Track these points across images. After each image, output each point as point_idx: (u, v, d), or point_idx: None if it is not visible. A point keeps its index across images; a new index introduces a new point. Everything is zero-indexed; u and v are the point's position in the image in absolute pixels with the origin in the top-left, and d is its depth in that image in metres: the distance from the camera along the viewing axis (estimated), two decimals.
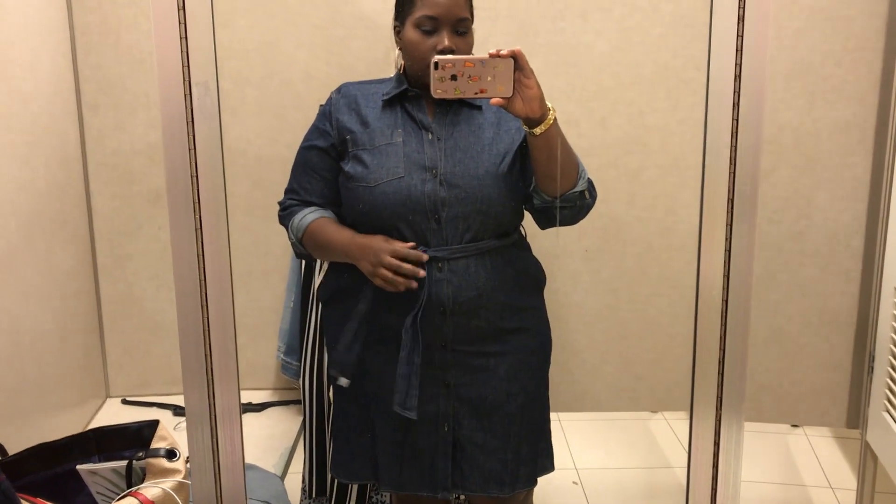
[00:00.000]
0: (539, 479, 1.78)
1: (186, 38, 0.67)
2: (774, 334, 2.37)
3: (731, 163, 0.71)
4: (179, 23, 0.67)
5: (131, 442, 1.56)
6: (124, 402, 2.38)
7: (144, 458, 1.49)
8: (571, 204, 1.54)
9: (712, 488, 0.92)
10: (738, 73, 0.72)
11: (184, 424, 2.27)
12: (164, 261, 2.44)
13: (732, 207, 0.75)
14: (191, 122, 0.70)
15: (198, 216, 0.77)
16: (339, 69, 2.25)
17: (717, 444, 0.85)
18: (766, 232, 2.30)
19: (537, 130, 1.42)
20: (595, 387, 2.47)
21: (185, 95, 0.69)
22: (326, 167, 1.65)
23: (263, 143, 2.30)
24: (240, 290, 2.42)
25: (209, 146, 0.72)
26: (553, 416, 2.81)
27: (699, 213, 0.83)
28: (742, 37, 0.71)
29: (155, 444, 1.53)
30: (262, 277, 2.40)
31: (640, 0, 2.19)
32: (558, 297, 2.29)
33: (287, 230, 1.70)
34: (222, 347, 0.96)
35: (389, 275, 1.52)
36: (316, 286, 2.18)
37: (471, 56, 1.36)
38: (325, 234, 1.62)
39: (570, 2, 2.19)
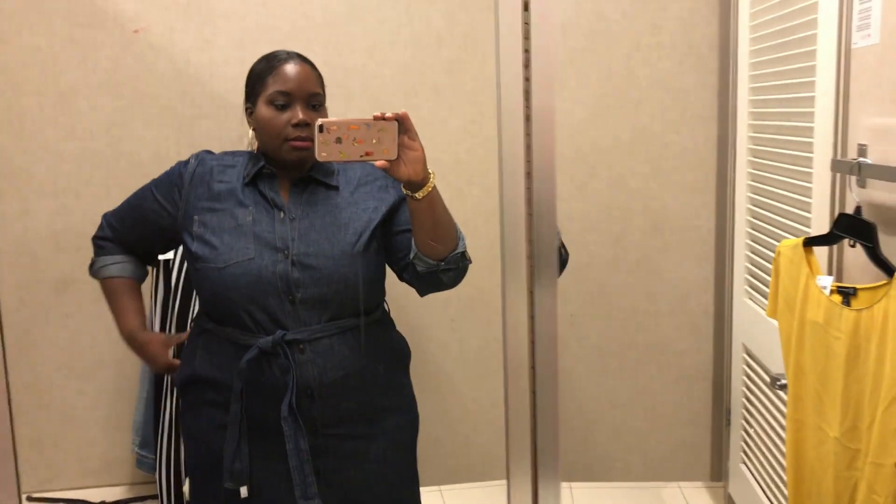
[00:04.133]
0: None
1: None
2: (637, 394, 2.42)
3: (527, 230, 0.72)
4: None
5: None
6: (29, 499, 2.21)
7: None
8: (454, 266, 1.51)
9: None
10: (528, 143, 0.73)
11: None
12: (71, 350, 2.29)
13: (533, 269, 0.76)
14: None
15: None
16: (190, 148, 2.18)
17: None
18: (620, 295, 2.36)
19: (419, 194, 1.39)
20: (583, 456, 2.45)
21: None
22: (156, 225, 1.64)
23: None
24: (91, 380, 2.29)
25: None
26: (564, 485, 2.76)
27: (501, 277, 0.84)
28: (530, 136, 0.73)
29: None
30: (113, 366, 2.28)
31: (616, 66, 2.25)
32: None
33: (93, 258, 1.73)
34: None
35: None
36: (168, 377, 2.08)
37: (356, 118, 1.33)
38: (116, 304, 1.68)
39: (421, 80, 2.23)
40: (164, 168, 2.19)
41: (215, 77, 2.19)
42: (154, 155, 2.20)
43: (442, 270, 1.50)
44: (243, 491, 1.53)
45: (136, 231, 1.67)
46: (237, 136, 2.19)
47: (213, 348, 1.58)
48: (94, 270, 1.71)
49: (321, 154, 1.32)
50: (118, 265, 1.68)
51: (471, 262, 1.56)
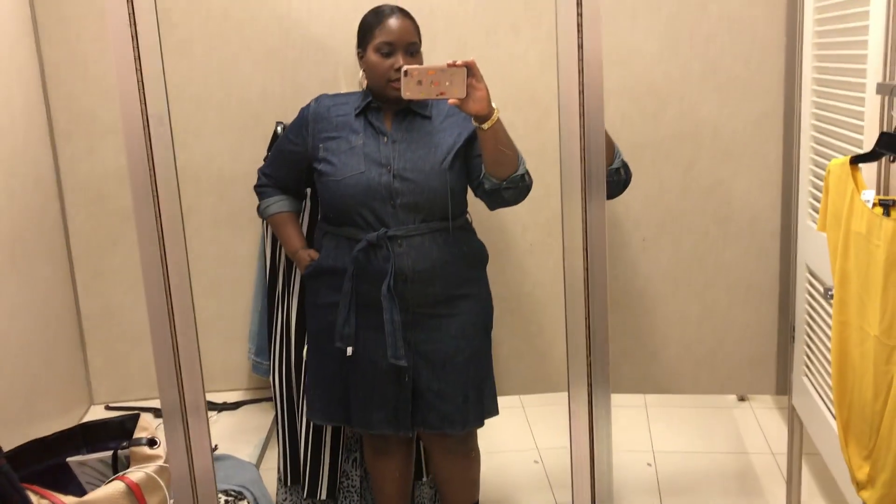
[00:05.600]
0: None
1: (143, 80, 0.85)
2: (706, 312, 2.58)
3: (581, 161, 0.90)
4: (136, 70, 0.85)
5: (115, 434, 1.74)
6: (107, 408, 2.53)
7: (128, 448, 1.66)
8: (515, 185, 1.89)
9: (590, 455, 1.10)
10: (581, 89, 0.91)
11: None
12: (139, 274, 2.60)
13: (586, 195, 0.94)
14: (149, 147, 0.88)
15: (160, 228, 0.94)
16: (293, 88, 2.43)
17: (591, 414, 1.03)
18: (691, 219, 2.51)
19: (485, 125, 1.76)
20: (655, 370, 2.63)
21: (143, 127, 0.87)
22: (294, 160, 2.07)
23: (226, 159, 2.48)
24: (210, 297, 2.59)
25: (166, 168, 0.90)
26: (638, 399, 3.18)
27: (560, 200, 1.03)
28: (582, 60, 0.91)
29: (137, 435, 1.71)
30: (230, 285, 2.57)
31: (689, 1, 2.35)
32: (620, 285, 2.40)
33: (258, 203, 2.19)
34: (187, 351, 1.12)
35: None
36: (280, 290, 2.35)
37: (433, 65, 1.68)
38: (281, 232, 2.17)
39: (500, 18, 2.39)
40: (270, 106, 2.47)
41: (314, 22, 2.40)
42: (261, 94, 2.44)
43: (504, 188, 1.88)
44: (349, 350, 1.97)
45: (283, 171, 2.13)
46: (334, 75, 2.41)
47: (332, 245, 2.01)
48: (260, 212, 2.19)
49: (405, 93, 1.67)
50: (277, 204, 2.15)
51: (531, 182, 1.92)
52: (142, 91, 0.85)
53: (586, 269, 0.98)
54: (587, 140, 0.94)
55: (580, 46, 0.90)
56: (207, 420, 1.11)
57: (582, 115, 0.94)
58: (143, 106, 0.86)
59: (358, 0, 2.35)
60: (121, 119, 0.87)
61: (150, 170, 0.89)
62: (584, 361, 0.99)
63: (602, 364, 1.01)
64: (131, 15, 0.81)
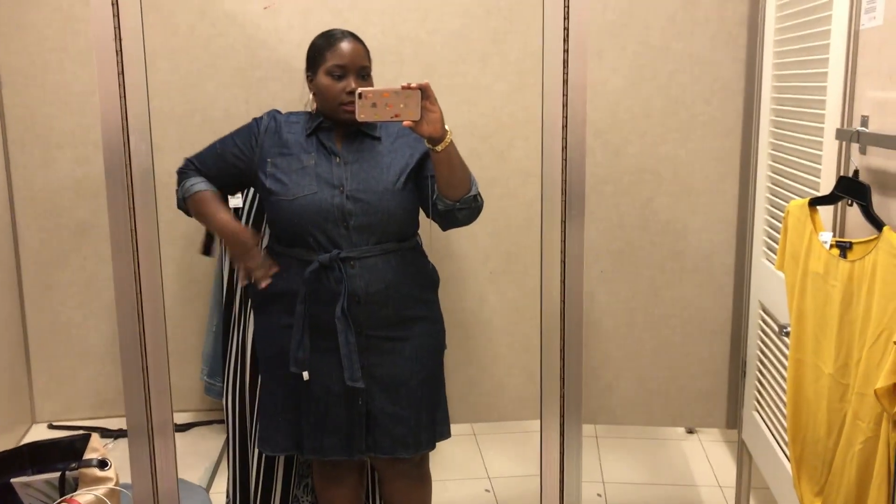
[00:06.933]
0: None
1: (125, 96, 0.84)
2: (661, 345, 2.61)
3: (562, 190, 0.90)
4: (119, 85, 0.84)
5: (64, 454, 1.68)
6: (51, 426, 2.46)
7: (77, 469, 1.61)
8: (467, 206, 1.89)
9: (560, 483, 1.10)
10: (564, 124, 0.92)
11: (111, 445, 2.36)
12: (90, 290, 2.54)
13: (565, 227, 0.94)
14: (128, 164, 0.86)
15: (135, 247, 0.92)
16: (258, 108, 2.40)
17: (562, 442, 1.04)
18: (648, 253, 2.54)
19: (439, 148, 1.76)
20: (609, 401, 2.64)
21: (124, 143, 0.85)
22: (233, 163, 1.98)
23: None
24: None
25: (144, 187, 0.88)
26: (589, 429, 3.12)
27: (541, 210, 1.03)
28: (567, 95, 0.92)
29: (87, 456, 1.65)
30: (185, 304, 2.52)
31: (651, 39, 2.39)
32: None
33: (178, 187, 2.01)
34: (156, 368, 1.10)
35: (249, 273, 1.96)
36: (237, 310, 2.32)
37: (387, 88, 1.66)
38: (207, 210, 1.97)
39: (469, 49, 2.42)
40: (235, 124, 2.44)
41: (281, 42, 2.39)
42: (225, 113, 2.42)
43: (457, 209, 1.88)
44: (305, 375, 1.92)
45: (216, 169, 2.00)
46: (299, 96, 2.40)
47: (282, 267, 1.96)
48: (182, 191, 1.99)
49: (360, 116, 1.65)
50: (204, 182, 1.98)
51: (483, 203, 1.93)
52: (124, 108, 0.83)
53: (563, 300, 0.99)
54: (569, 171, 0.94)
55: (565, 81, 0.91)
56: (174, 441, 1.09)
57: (564, 147, 0.95)
58: (125, 122, 0.84)
59: (326, 22, 2.39)
60: (101, 134, 0.85)
61: (128, 186, 0.87)
62: (557, 390, 0.99)
63: (575, 393, 1.02)
64: (117, 28, 0.80)
